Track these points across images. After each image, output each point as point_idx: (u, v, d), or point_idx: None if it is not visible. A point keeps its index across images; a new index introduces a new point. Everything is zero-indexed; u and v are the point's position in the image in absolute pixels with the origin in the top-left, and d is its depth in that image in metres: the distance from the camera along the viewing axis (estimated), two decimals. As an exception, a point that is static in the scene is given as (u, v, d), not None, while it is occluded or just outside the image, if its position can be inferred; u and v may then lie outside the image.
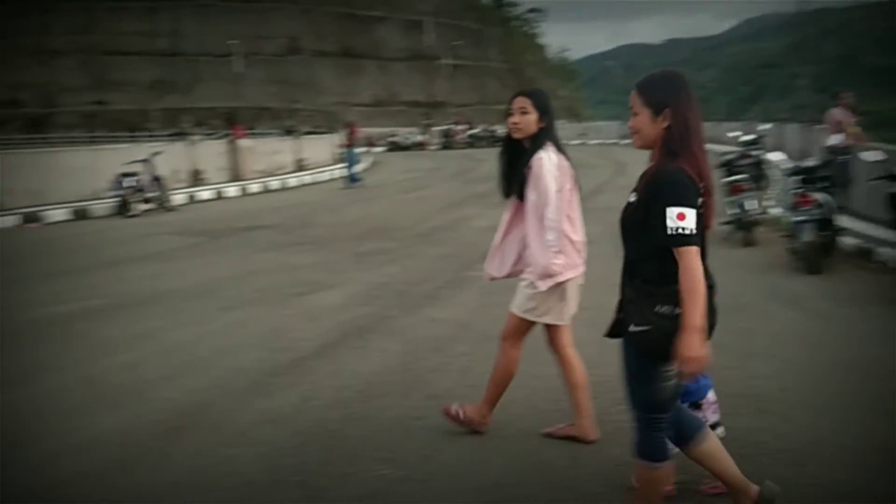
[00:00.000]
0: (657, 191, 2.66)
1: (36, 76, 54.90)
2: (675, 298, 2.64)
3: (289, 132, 29.25)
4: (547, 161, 3.87)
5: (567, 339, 4.08)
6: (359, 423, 4.39)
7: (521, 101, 3.99)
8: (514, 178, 4.02)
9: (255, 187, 21.79)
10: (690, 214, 2.60)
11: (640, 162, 2.87)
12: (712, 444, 3.10)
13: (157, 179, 16.71)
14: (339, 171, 23.87)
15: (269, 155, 25.72)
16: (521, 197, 4.00)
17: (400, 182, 23.34)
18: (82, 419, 4.59)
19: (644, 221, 2.69)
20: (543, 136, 3.95)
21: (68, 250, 11.83)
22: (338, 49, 65.77)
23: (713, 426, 3.39)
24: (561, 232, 3.85)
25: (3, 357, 5.96)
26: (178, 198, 18.03)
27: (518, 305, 4.00)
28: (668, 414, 2.87)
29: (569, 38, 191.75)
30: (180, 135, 22.56)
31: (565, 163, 3.95)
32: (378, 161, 33.01)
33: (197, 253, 11.14)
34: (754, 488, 3.08)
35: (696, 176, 2.66)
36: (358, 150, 23.69)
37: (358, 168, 23.27)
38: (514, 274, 4.12)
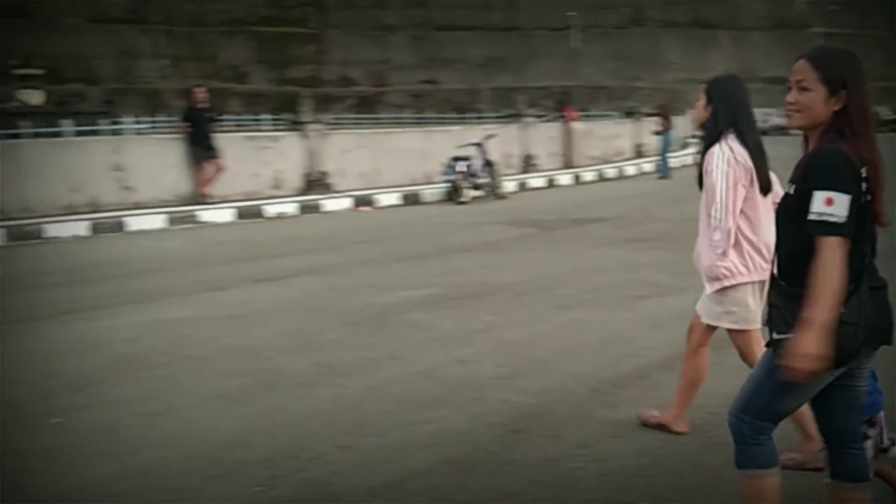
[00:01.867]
0: (811, 172, 2.67)
1: (368, 53, 59.79)
2: None
3: (628, 114, 29.29)
4: (717, 155, 4.02)
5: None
6: (716, 450, 4.31)
7: (702, 91, 4.22)
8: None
9: (588, 175, 22.16)
10: (842, 200, 2.58)
11: None
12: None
13: (488, 164, 17.56)
14: (679, 158, 23.53)
15: (606, 139, 26.01)
16: None
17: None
18: (421, 414, 4.99)
19: (800, 212, 2.68)
20: (716, 124, 4.11)
21: (399, 236, 12.86)
22: (688, 19, 64.51)
23: (884, 449, 3.38)
24: (727, 232, 3.98)
25: (344, 345, 6.65)
26: (509, 185, 18.82)
27: (713, 317, 4.29)
28: (776, 425, 2.96)
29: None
30: (514, 116, 23.46)
31: (743, 155, 4.01)
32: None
33: (528, 245, 11.59)
34: None
35: (861, 161, 2.65)
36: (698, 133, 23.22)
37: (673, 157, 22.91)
38: None
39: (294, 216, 15.52)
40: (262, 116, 34.79)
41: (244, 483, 4.10)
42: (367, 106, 53.68)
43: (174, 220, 14.19)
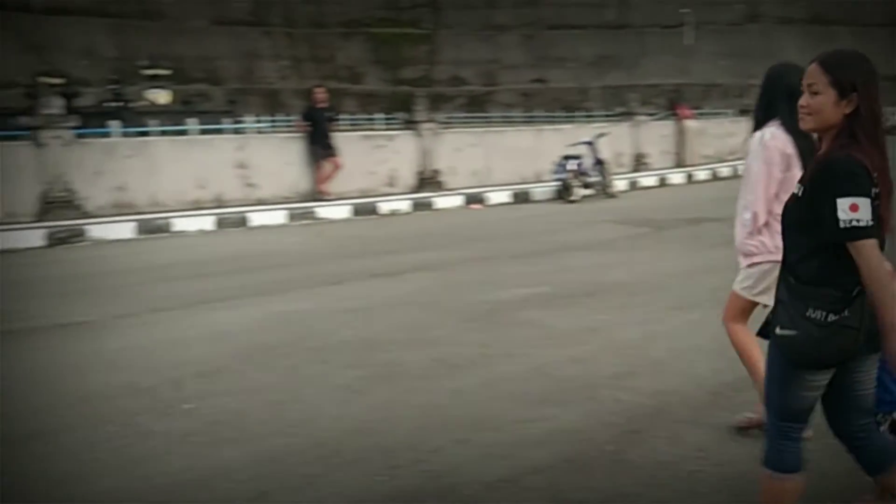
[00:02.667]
0: (826, 181, 2.69)
1: (479, 53, 59.88)
2: (829, 303, 2.70)
3: (743, 112, 28.57)
4: (755, 140, 4.17)
5: None
6: (842, 456, 4.18)
7: None
8: None
9: (701, 174, 21.73)
10: (864, 204, 2.62)
11: None
12: None
13: (599, 163, 17.42)
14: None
15: (720, 138, 25.40)
16: None
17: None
18: (536, 411, 4.99)
19: (808, 215, 2.74)
20: (761, 112, 4.27)
21: (510, 234, 12.87)
22: (806, 14, 62.37)
23: None
24: (754, 214, 4.14)
25: (458, 341, 6.70)
26: (620, 183, 18.62)
27: (737, 282, 4.41)
28: (803, 424, 2.99)
29: None
30: (625, 114, 23.17)
31: (782, 140, 4.07)
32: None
33: (641, 244, 11.45)
34: None
35: (870, 167, 2.67)
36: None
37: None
38: None
39: (407, 213, 15.71)
40: (377, 116, 35.21)
41: (365, 471, 4.18)
42: (477, 105, 53.68)
43: (294, 217, 14.53)
